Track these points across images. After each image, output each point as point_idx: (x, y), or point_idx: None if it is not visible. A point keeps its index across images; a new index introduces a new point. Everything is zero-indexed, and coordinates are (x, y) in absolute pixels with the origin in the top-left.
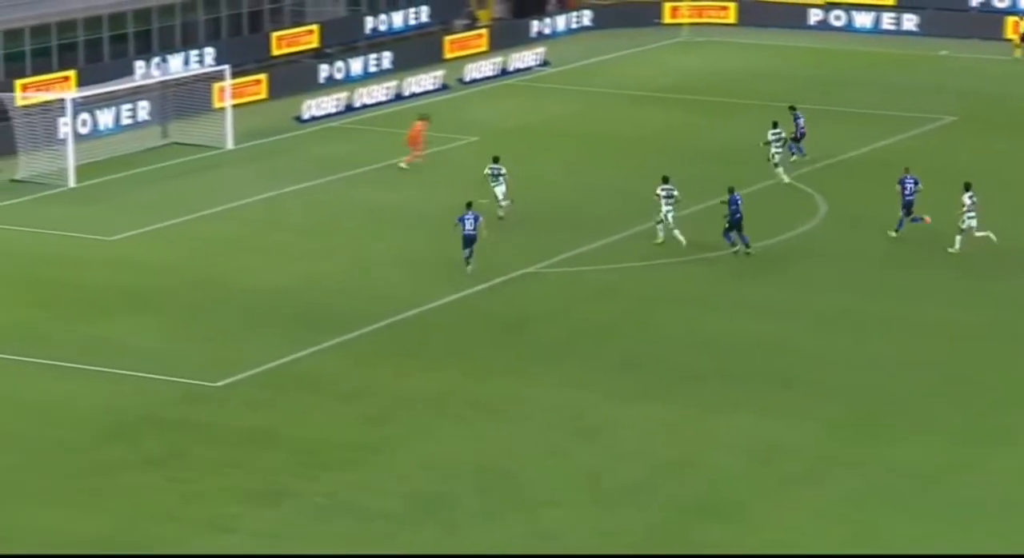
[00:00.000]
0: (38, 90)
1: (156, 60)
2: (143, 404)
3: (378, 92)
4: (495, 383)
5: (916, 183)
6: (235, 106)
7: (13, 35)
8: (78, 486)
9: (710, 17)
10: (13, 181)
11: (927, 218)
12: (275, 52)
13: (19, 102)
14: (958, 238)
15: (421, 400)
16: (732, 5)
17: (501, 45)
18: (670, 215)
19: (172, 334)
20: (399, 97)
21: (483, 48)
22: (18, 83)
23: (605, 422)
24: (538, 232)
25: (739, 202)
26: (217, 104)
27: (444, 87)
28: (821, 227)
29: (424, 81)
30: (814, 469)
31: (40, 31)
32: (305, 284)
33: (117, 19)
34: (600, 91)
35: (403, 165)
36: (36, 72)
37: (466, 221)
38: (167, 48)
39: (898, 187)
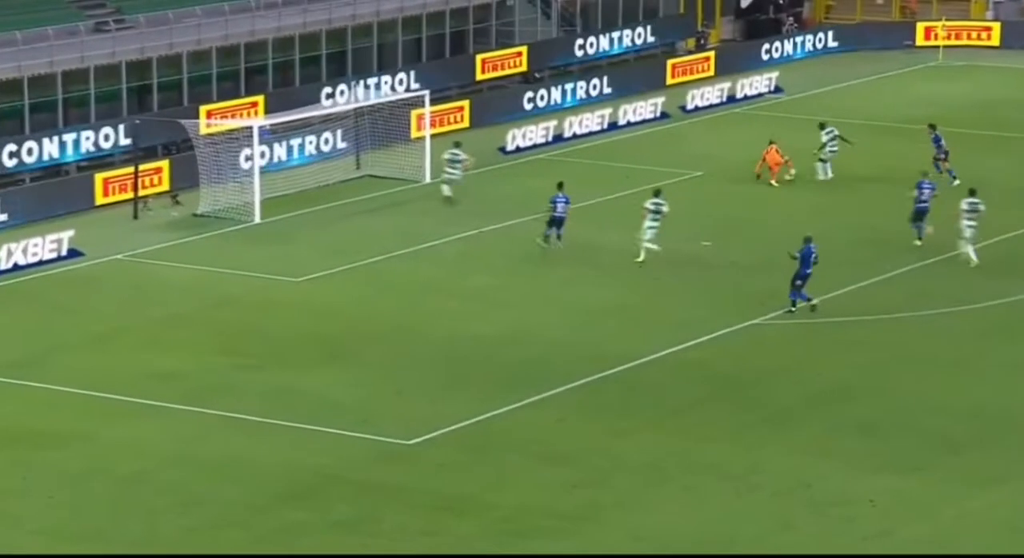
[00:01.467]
0: (223, 117)
1: (351, 84)
2: (331, 463)
3: (590, 121)
4: (717, 447)
5: (932, 189)
6: (434, 135)
7: (199, 57)
8: (261, 550)
9: (970, 39)
10: (195, 215)
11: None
12: (479, 76)
13: (203, 130)
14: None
15: (634, 464)
16: (995, 25)
17: (729, 69)
18: (651, 231)
19: (363, 386)
20: (614, 126)
21: (709, 73)
22: (203, 109)
23: (841, 495)
24: (765, 279)
25: (812, 255)
26: (415, 133)
27: (664, 115)
28: None
29: (642, 109)
30: None
31: (227, 53)
32: (507, 333)
33: (309, 40)
34: (840, 121)
35: (774, 182)
36: (222, 97)
37: (558, 203)
38: (362, 71)
39: (915, 193)
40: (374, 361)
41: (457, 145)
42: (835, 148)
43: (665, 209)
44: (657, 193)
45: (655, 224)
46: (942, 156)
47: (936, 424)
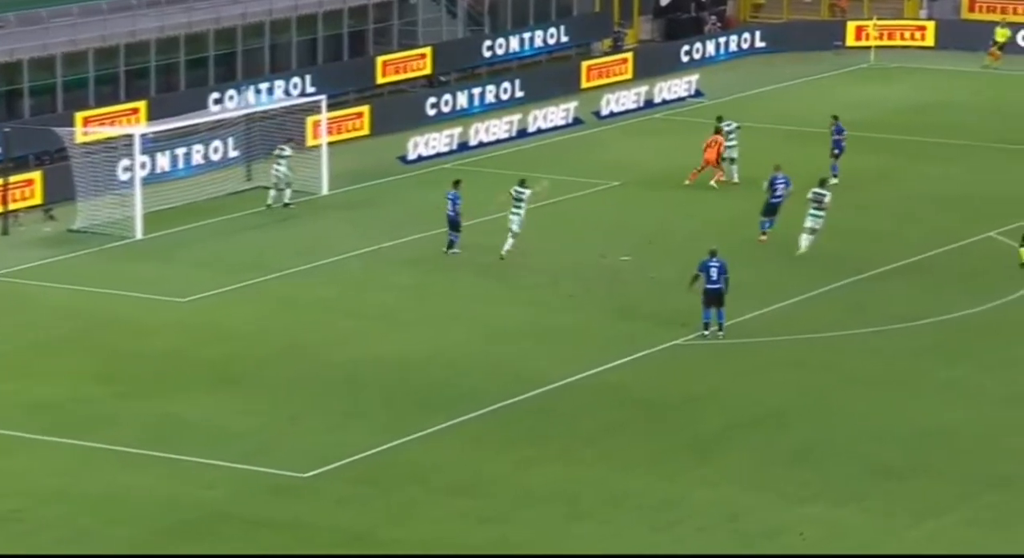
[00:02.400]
0: (102, 124)
1: (240, 89)
2: (220, 498)
3: (498, 128)
4: (636, 478)
5: (787, 184)
6: (331, 143)
7: (74, 59)
8: None
9: (903, 39)
10: (71, 231)
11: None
12: (379, 80)
13: (79, 138)
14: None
15: (548, 496)
16: (930, 24)
17: (648, 72)
18: (515, 217)
19: (255, 414)
20: (523, 134)
21: (627, 76)
22: (79, 116)
23: (772, 527)
24: (688, 298)
25: (709, 268)
26: (311, 141)
27: (577, 121)
28: None
29: (553, 115)
30: None
31: (106, 54)
32: (411, 355)
33: (195, 40)
34: (764, 127)
35: (713, 184)
36: (100, 103)
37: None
38: (254, 75)
39: (765, 186)
40: (266, 386)
41: (522, 182)
42: (733, 142)
43: (527, 195)
44: (522, 182)
45: (519, 212)
46: (837, 151)
47: (873, 450)
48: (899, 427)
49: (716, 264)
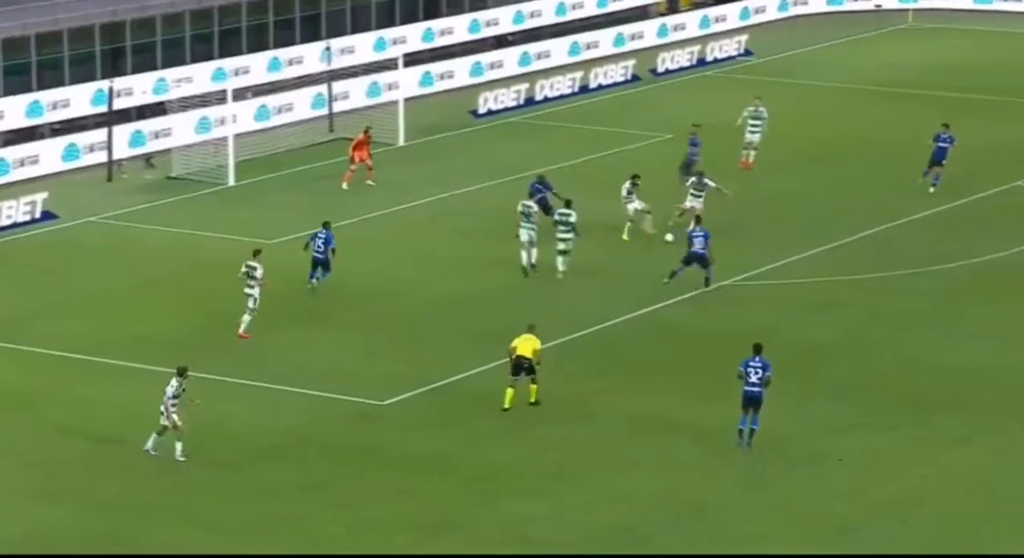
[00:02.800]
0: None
1: (324, 45)
2: (307, 423)
3: (561, 84)
4: (694, 408)
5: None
6: (408, 99)
7: (173, 19)
8: (238, 510)
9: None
10: (169, 178)
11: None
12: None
13: (174, 92)
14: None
15: (610, 425)
16: None
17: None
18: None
19: (338, 348)
20: (585, 89)
21: (682, 35)
22: (173, 71)
23: (817, 454)
24: (740, 240)
25: (694, 235)
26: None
27: (635, 78)
28: None
29: (613, 72)
30: None
31: (201, 15)
32: (480, 295)
33: (285, 3)
34: (810, 84)
35: (370, 182)
36: (195, 59)
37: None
38: (337, 31)
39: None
40: (349, 323)
41: (568, 204)
42: (757, 129)
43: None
44: (635, 178)
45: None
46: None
47: (908, 384)
48: (932, 363)
49: (758, 363)
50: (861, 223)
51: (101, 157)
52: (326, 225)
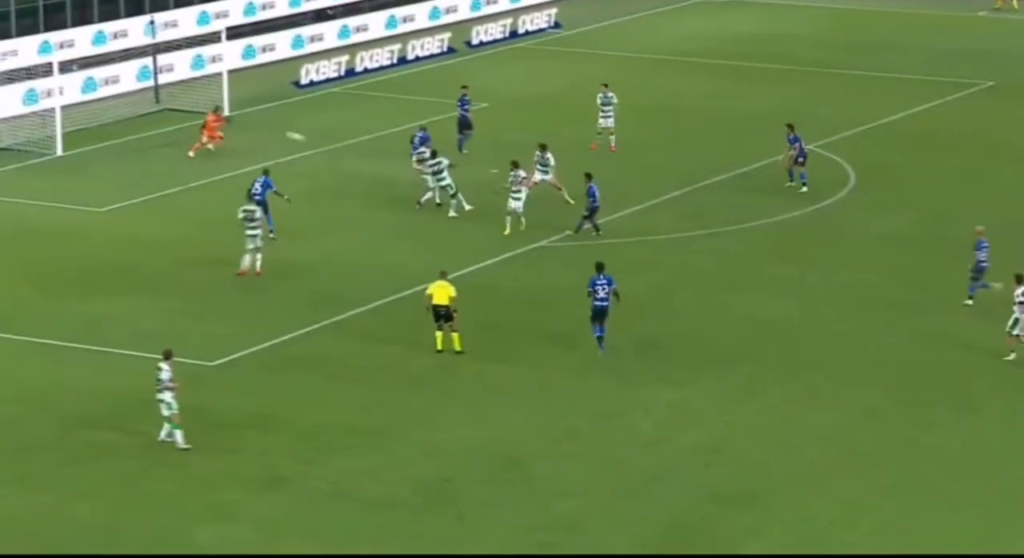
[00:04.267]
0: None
1: (148, 19)
2: (137, 386)
3: (381, 56)
4: (505, 364)
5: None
6: (231, 71)
7: None
8: (72, 472)
9: None
10: None
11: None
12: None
13: (0, 65)
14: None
15: (427, 382)
16: None
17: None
18: (544, 177)
19: (166, 312)
20: (403, 61)
21: (495, 8)
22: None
23: (623, 407)
24: (552, 205)
25: (596, 193)
26: (211, 68)
27: (450, 50)
28: (849, 199)
29: (430, 45)
30: (843, 457)
31: None
32: (305, 260)
33: None
34: (615, 55)
35: (192, 154)
36: (21, 33)
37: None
38: (160, 6)
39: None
40: (177, 288)
41: (543, 148)
42: (610, 113)
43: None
44: (544, 148)
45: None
46: (801, 159)
47: (709, 339)
48: (732, 318)
49: (603, 281)
50: (666, 186)
51: None
52: (265, 172)
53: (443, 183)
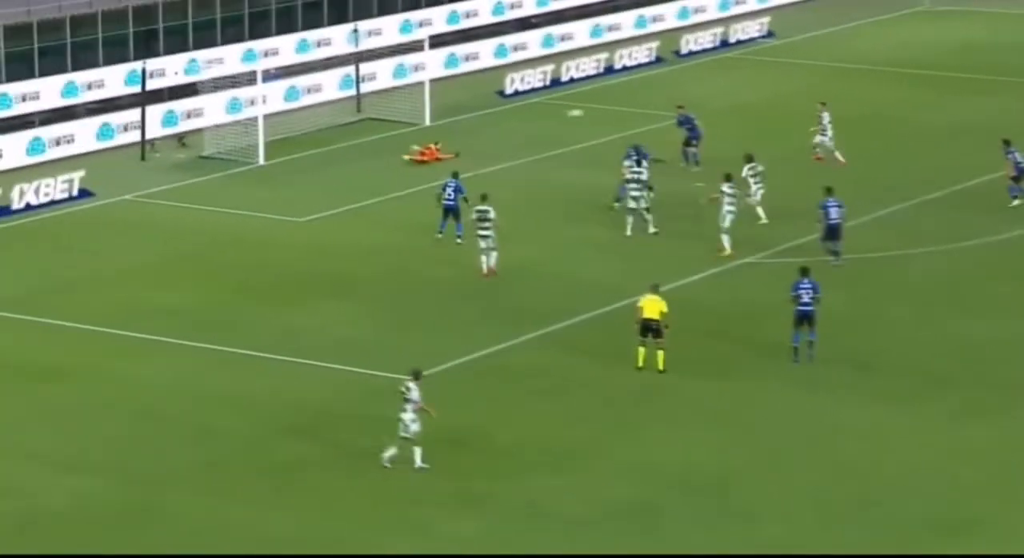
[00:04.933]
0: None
1: (352, 27)
2: (337, 398)
3: (588, 65)
4: (711, 382)
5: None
6: (434, 80)
7: (204, 2)
8: (267, 483)
9: None
10: (202, 157)
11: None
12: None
13: (205, 73)
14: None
15: (629, 399)
16: None
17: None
18: (760, 193)
19: (368, 323)
20: (610, 70)
21: (705, 18)
22: (204, 53)
23: (832, 428)
24: (753, 221)
25: (828, 208)
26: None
27: (659, 60)
28: None
29: (637, 54)
30: None
31: None
32: (509, 271)
33: None
34: (830, 65)
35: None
36: (225, 42)
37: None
38: (364, 14)
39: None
40: (378, 299)
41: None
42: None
43: (760, 170)
44: (750, 159)
45: (759, 186)
46: (1016, 175)
47: (923, 359)
48: (947, 338)
49: (808, 285)
50: (877, 202)
51: (135, 136)
52: (455, 175)
53: (640, 201)
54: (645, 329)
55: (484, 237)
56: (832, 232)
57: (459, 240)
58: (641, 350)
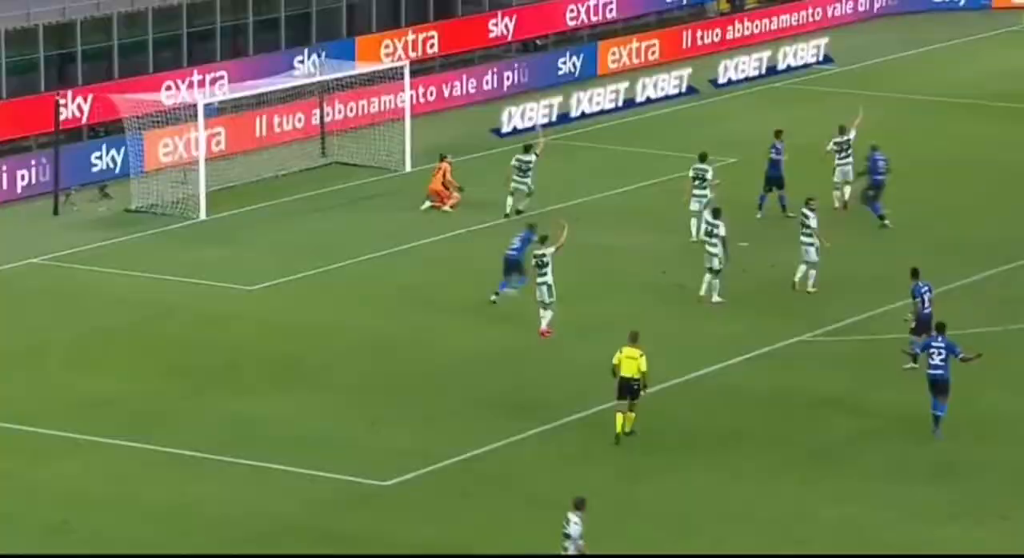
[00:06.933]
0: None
1: (316, 53)
2: (293, 509)
3: (601, 97)
4: (753, 490)
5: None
6: (415, 117)
7: (134, 19)
8: None
9: None
10: (128, 211)
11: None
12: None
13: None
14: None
15: (655, 509)
16: None
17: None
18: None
19: (331, 416)
20: (630, 104)
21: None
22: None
23: (909, 546)
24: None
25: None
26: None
27: (691, 91)
28: None
29: (663, 83)
30: None
31: (165, 14)
32: (503, 352)
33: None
34: (901, 97)
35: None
36: (160, 67)
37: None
38: (329, 36)
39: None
40: (344, 386)
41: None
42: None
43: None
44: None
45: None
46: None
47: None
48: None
49: (940, 343)
50: (963, 266)
51: (46, 186)
52: (531, 227)
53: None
54: (622, 389)
55: (541, 285)
56: (925, 325)
57: (507, 293)
58: (619, 416)
